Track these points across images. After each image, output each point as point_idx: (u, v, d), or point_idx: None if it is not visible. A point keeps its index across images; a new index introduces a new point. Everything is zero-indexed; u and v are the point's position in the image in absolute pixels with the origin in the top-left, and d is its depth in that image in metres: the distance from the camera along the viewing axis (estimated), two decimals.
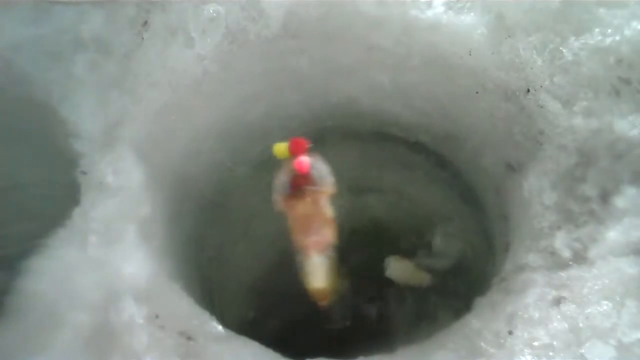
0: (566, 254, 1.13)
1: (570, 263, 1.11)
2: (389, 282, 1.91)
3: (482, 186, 1.72)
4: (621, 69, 1.24)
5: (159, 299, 1.12)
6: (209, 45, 1.39)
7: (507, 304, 1.10)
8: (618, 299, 1.04)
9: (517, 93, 1.35)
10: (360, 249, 2.05)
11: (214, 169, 1.56)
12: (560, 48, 1.30)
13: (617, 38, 1.26)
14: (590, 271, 1.08)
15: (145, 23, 1.40)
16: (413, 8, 1.39)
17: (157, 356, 1.04)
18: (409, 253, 1.98)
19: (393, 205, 2.16)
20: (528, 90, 1.33)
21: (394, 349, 1.17)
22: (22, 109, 1.46)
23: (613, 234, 1.10)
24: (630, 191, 1.13)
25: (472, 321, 1.13)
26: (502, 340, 1.04)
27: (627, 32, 1.26)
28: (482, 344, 1.05)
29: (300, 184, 0.90)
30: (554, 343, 1.02)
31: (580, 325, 1.03)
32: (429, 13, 1.38)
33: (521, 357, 1.03)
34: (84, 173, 1.26)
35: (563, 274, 1.10)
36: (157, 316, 1.08)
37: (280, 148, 1.09)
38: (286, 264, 1.40)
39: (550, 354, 1.01)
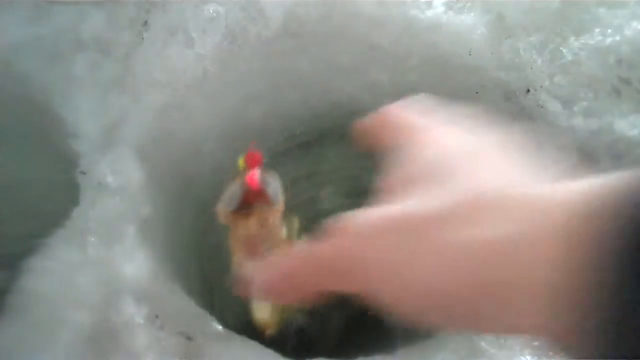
0: None
1: None
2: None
3: None
4: (621, 69, 1.24)
5: (159, 299, 1.12)
6: (209, 45, 1.38)
7: None
8: None
9: (517, 93, 1.35)
10: None
11: (214, 169, 1.56)
12: (560, 48, 1.30)
13: (617, 38, 1.26)
14: None
15: (145, 23, 1.40)
16: (413, 8, 1.39)
17: (157, 356, 1.03)
18: None
19: None
20: (528, 90, 1.33)
21: (394, 349, 1.17)
22: (22, 109, 1.45)
23: None
24: None
25: None
26: (503, 340, 1.04)
27: (627, 32, 1.26)
28: (483, 344, 1.05)
29: (250, 200, 0.83)
30: None
31: None
32: (429, 13, 1.38)
33: (521, 357, 1.02)
34: (84, 173, 1.26)
35: None
36: (157, 316, 1.08)
37: (242, 159, 0.99)
38: None
39: (550, 353, 1.01)
